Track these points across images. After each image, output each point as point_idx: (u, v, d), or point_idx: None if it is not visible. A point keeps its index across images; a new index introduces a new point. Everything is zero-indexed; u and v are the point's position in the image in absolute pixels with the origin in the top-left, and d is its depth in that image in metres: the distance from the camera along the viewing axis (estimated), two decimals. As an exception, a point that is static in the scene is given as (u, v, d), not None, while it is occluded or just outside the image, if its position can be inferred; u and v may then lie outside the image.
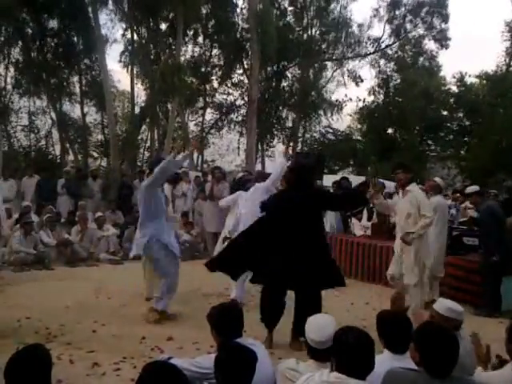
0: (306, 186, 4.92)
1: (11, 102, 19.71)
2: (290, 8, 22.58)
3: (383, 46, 23.44)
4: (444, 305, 3.17)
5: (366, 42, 23.37)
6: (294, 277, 4.64)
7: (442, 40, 22.59)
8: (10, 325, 5.09)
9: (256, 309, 5.14)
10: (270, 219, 4.94)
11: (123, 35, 20.04)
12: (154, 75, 17.81)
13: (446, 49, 22.83)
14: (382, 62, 23.93)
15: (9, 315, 5.42)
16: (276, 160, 6.34)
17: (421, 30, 22.78)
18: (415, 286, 5.45)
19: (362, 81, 23.62)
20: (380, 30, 23.59)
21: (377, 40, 23.22)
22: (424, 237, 5.60)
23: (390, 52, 23.77)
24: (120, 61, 20.17)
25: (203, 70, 22.21)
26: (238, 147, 23.84)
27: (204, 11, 19.58)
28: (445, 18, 22.17)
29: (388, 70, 23.93)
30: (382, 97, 23.69)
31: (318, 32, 22.96)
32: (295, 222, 4.72)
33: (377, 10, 22.76)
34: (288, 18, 22.56)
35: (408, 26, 22.91)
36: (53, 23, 18.32)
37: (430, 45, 23.17)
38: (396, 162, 8.10)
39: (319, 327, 2.75)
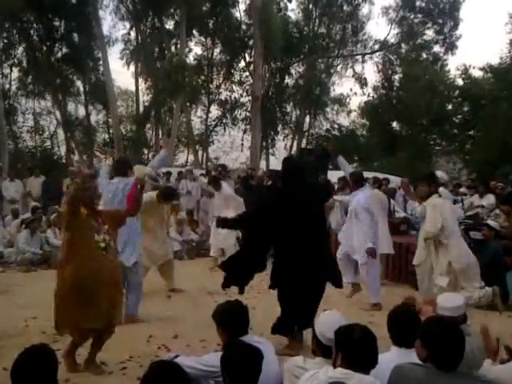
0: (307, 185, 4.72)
1: (17, 103, 19.82)
2: (295, 4, 22.57)
3: (389, 43, 23.33)
4: (440, 304, 3.14)
5: (375, 41, 23.31)
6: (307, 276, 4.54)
7: (450, 47, 22.32)
8: (16, 325, 5.11)
9: (261, 307, 5.14)
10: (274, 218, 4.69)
11: (128, 34, 20.08)
12: (158, 74, 17.83)
13: (453, 55, 22.62)
14: (387, 57, 23.83)
15: (16, 315, 5.44)
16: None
17: (430, 32, 22.53)
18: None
19: (366, 84, 23.65)
20: (386, 28, 23.46)
21: (383, 42, 23.10)
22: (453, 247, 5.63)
23: (394, 48, 23.65)
24: (122, 59, 20.24)
25: (207, 67, 22.22)
26: (242, 144, 23.86)
27: (206, 8, 19.57)
28: (456, 23, 21.84)
29: (392, 64, 23.83)
30: (386, 92, 23.61)
31: (324, 29, 22.92)
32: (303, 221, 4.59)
33: (387, 8, 22.63)
34: (292, 14, 22.57)
35: (417, 27, 22.63)
36: (57, 24, 18.39)
37: (436, 48, 23.01)
38: (424, 173, 7.83)
39: (330, 324, 2.73)
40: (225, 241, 8.17)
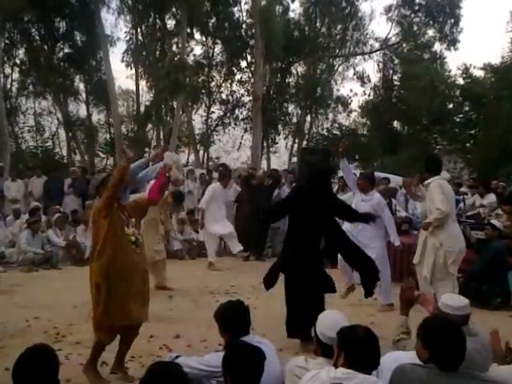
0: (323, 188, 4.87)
1: (18, 104, 19.82)
2: (297, 4, 22.55)
3: (389, 43, 23.26)
4: (444, 302, 3.09)
5: (376, 39, 23.24)
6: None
7: (451, 43, 22.18)
8: (18, 325, 5.11)
9: (262, 307, 5.13)
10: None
11: (130, 33, 20.04)
12: (158, 73, 17.83)
13: (456, 50, 22.42)
14: (387, 56, 23.78)
15: (17, 315, 5.45)
16: None
17: (431, 32, 22.37)
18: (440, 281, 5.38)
19: (369, 81, 23.61)
20: (387, 26, 23.32)
21: (384, 40, 23.04)
22: (445, 230, 5.39)
23: (395, 47, 23.57)
24: (122, 61, 20.20)
25: (207, 66, 22.21)
26: (240, 143, 23.85)
27: (207, 8, 19.56)
28: (456, 20, 21.67)
29: (393, 63, 23.78)
30: (386, 91, 23.58)
31: (325, 28, 22.88)
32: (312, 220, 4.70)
33: (389, 7, 22.52)
34: (293, 14, 22.53)
35: (417, 26, 22.47)
36: (58, 24, 18.40)
37: (437, 45, 22.87)
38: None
39: (332, 323, 2.72)
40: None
